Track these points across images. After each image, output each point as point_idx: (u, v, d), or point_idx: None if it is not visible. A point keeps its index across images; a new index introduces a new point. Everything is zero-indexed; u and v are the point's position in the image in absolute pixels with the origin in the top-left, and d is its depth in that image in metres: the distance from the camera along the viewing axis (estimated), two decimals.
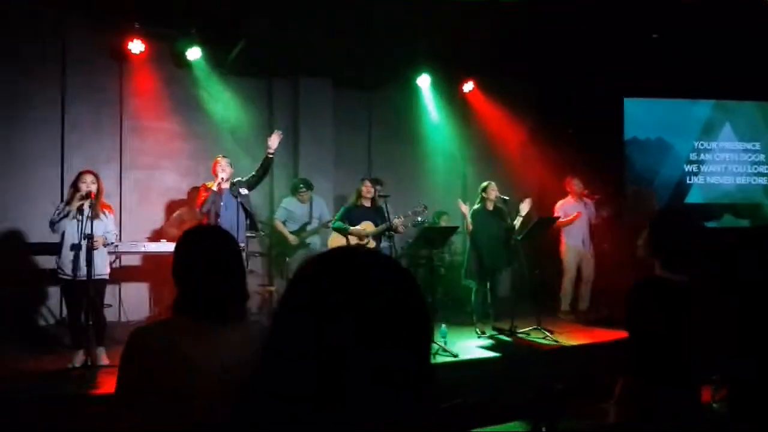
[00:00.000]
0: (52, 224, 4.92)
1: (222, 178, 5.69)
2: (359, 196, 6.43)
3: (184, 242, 1.82)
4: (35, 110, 6.60)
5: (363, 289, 0.81)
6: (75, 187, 4.97)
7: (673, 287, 2.35)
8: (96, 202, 4.94)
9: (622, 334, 6.03)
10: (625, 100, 8.50)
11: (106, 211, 5.12)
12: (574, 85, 8.20)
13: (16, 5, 6.19)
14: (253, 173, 5.96)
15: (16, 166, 6.49)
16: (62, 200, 5.19)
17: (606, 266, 7.32)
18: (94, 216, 4.89)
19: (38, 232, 6.29)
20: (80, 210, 4.87)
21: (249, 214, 5.77)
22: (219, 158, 5.84)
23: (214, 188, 5.68)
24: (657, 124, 8.63)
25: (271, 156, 5.90)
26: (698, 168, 8.65)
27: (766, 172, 8.62)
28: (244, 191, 5.80)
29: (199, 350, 1.56)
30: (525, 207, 6.49)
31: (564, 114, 8.54)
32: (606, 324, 6.52)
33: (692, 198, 8.58)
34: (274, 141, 5.89)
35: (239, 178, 5.91)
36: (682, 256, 2.38)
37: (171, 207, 7.17)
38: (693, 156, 8.65)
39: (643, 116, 8.63)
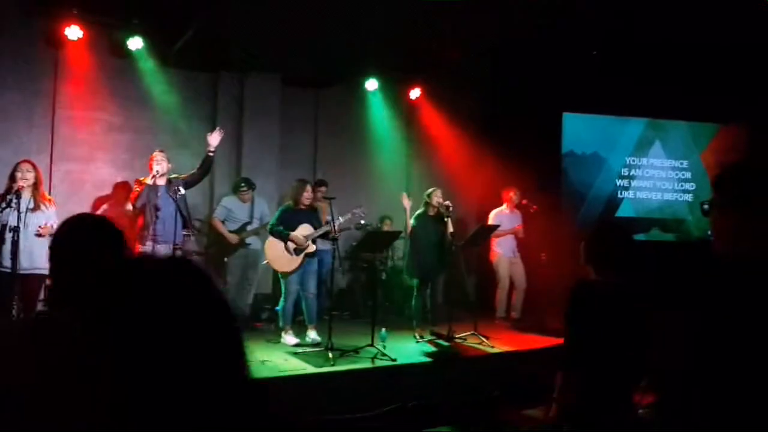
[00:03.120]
0: None
1: (157, 171, 5.55)
2: (298, 199, 6.03)
3: (58, 232, 1.68)
4: None
5: (152, 296, 0.80)
6: (12, 177, 4.93)
7: (606, 289, 2.57)
8: (36, 193, 4.96)
9: (553, 340, 6.22)
10: (564, 114, 8.75)
11: (47, 203, 5.08)
12: (516, 98, 8.37)
13: None
14: (193, 171, 5.83)
15: None
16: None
17: (540, 275, 7.52)
18: (35, 207, 4.91)
19: None
20: (17, 199, 4.77)
21: (182, 214, 5.62)
22: (155, 153, 5.72)
23: (149, 182, 5.53)
24: (594, 139, 8.90)
25: (211, 154, 5.76)
26: (629, 183, 8.99)
27: (691, 189, 9.04)
28: (181, 189, 5.66)
29: None
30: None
31: (506, 126, 8.72)
32: (538, 331, 6.72)
33: (623, 212, 8.90)
34: (214, 139, 5.74)
35: (176, 175, 5.76)
36: (613, 263, 2.61)
37: (104, 201, 6.90)
38: (625, 171, 8.98)
39: (581, 131, 8.89)
